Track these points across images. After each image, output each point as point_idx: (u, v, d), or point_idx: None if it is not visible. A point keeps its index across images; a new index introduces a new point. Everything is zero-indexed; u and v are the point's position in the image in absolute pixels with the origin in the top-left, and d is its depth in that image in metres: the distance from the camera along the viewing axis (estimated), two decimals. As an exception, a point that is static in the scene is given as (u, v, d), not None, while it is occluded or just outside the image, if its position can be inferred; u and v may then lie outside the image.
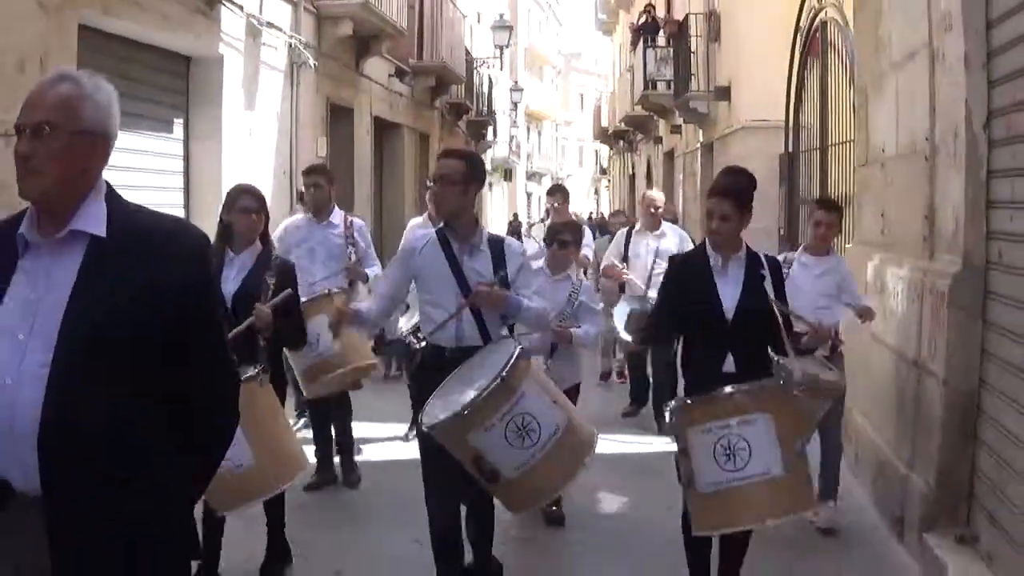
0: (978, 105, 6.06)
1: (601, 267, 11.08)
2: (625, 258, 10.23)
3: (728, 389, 4.89)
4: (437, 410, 4.95)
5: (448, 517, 5.48)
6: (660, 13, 27.05)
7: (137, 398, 2.79)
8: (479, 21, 34.95)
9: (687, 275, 5.51)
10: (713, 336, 5.32)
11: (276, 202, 11.91)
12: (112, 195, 2.86)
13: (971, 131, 6.06)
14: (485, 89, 31.73)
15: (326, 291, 7.62)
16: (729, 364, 5.26)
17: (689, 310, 5.42)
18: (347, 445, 8.49)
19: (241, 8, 11.64)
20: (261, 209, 6.10)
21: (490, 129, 34.41)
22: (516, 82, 39.75)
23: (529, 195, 63.13)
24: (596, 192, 79.36)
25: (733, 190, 5.41)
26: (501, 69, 37.52)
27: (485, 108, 31.88)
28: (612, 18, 44.99)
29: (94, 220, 2.77)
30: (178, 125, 11.29)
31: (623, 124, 36.28)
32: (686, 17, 21.41)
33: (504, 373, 4.75)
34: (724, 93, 19.32)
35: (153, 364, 2.79)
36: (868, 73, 8.88)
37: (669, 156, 28.99)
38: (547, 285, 7.21)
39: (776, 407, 4.85)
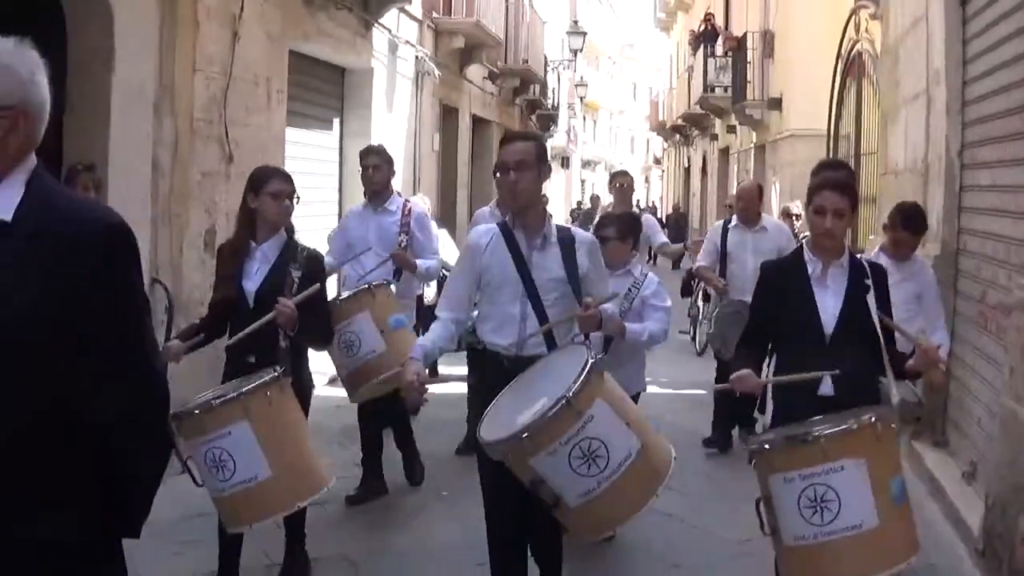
0: (955, 140, 8.54)
1: (694, 268, 10.52)
2: (723, 257, 9.41)
3: (815, 431, 4.12)
4: (497, 422, 4.47)
5: (509, 529, 5.01)
6: (719, 22, 29.42)
7: (35, 407, 2.46)
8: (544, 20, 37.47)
9: (781, 284, 4.89)
10: (809, 354, 4.66)
11: (407, 188, 14.73)
12: (37, 177, 2.54)
13: (949, 157, 8.57)
14: (556, 86, 34.41)
15: (366, 286, 6.93)
16: (827, 387, 4.63)
17: (783, 324, 4.82)
18: (408, 441, 8.07)
19: (389, 30, 14.42)
20: (294, 193, 5.60)
21: (559, 122, 37.06)
22: (581, 77, 42.24)
23: (583, 182, 65.04)
24: (647, 181, 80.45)
25: (847, 184, 4.83)
26: (575, 71, 40.18)
27: (555, 103, 34.53)
28: (670, 17, 46.47)
29: (2, 203, 2.46)
30: (336, 124, 14.01)
31: (681, 120, 38.03)
32: (744, 34, 23.69)
33: (571, 394, 4.10)
34: (776, 103, 21.45)
35: (53, 368, 2.46)
36: (888, 103, 11.48)
37: (724, 153, 30.87)
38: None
39: (871, 450, 4.05)
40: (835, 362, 4.57)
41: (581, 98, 47.18)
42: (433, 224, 8.68)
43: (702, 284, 15.58)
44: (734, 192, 23.50)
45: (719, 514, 7.33)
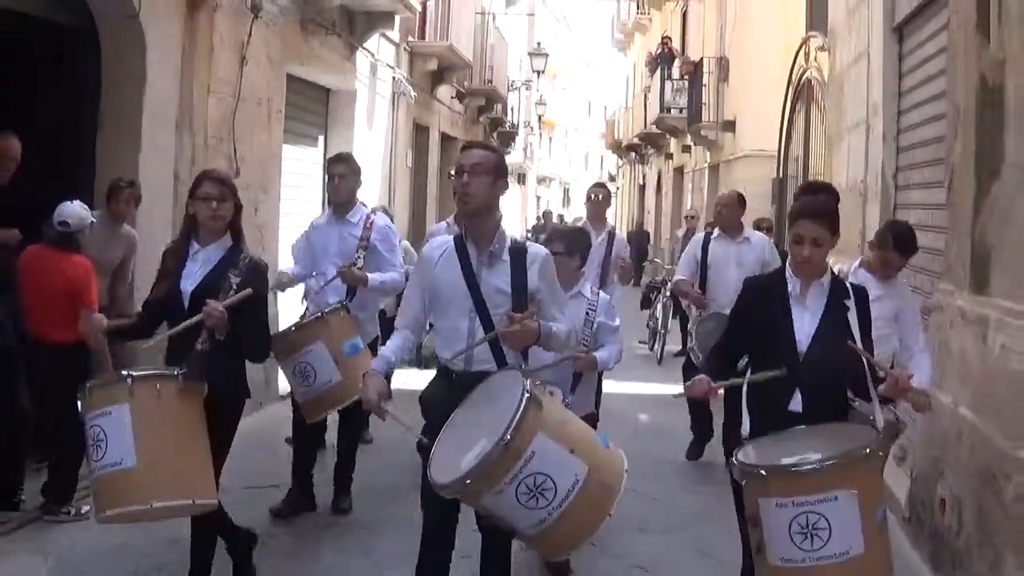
0: (890, 163, 9.64)
1: (672, 282, 10.38)
2: (703, 269, 9.10)
3: (811, 464, 4.18)
4: (445, 458, 4.40)
5: (441, 549, 4.90)
6: (675, 45, 30.53)
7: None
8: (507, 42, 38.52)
9: (761, 299, 4.96)
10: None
11: (383, 201, 15.72)
12: None
13: (885, 179, 9.65)
14: (517, 105, 35.50)
15: (319, 314, 6.99)
16: (796, 403, 4.70)
17: (759, 339, 4.91)
18: (348, 465, 7.78)
19: (372, 54, 15.39)
20: (225, 198, 5.39)
21: (517, 139, 38.14)
22: (541, 96, 43.37)
23: (539, 198, 65.99)
24: None
25: (826, 211, 4.84)
26: (539, 91, 41.32)
27: (515, 121, 35.60)
28: (628, 38, 47.30)
29: None
30: (320, 140, 14.92)
31: (636, 139, 38.90)
32: (701, 60, 24.77)
33: (507, 436, 4.05)
34: (730, 126, 22.50)
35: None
36: (832, 128, 12.61)
37: (679, 171, 31.82)
38: None
39: (864, 481, 4.15)
40: (806, 380, 4.69)
41: (540, 116, 48.25)
42: (397, 236, 8.50)
43: (660, 296, 16.73)
44: (690, 207, 24.86)
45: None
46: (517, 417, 4.10)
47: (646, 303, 17.42)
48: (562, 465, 4.18)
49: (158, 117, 8.91)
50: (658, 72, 29.33)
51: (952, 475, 6.33)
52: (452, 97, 23.08)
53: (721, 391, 4.96)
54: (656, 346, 16.55)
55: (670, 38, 30.77)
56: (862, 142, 10.59)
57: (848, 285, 4.94)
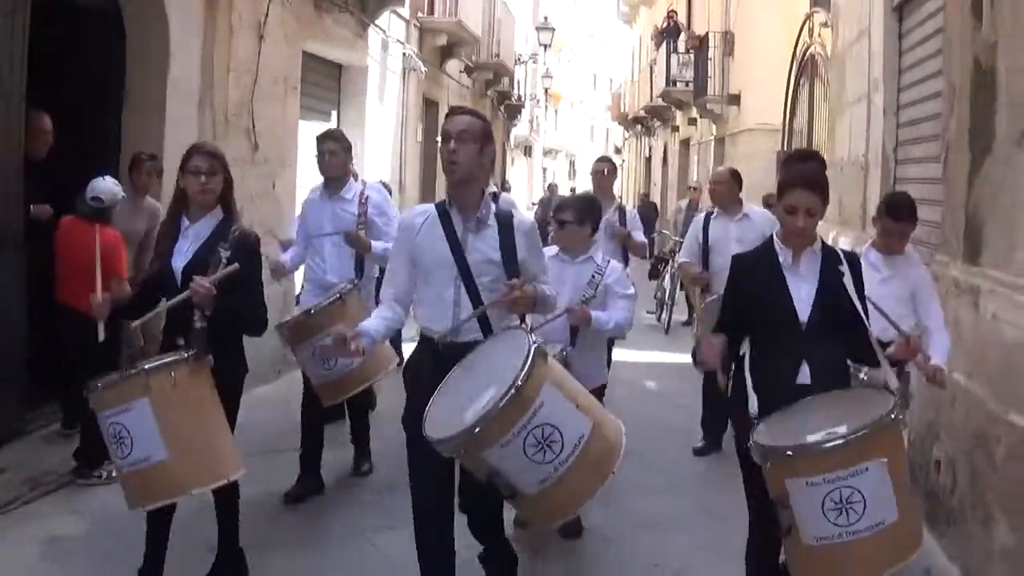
0: (890, 138, 9.87)
1: (676, 264, 10.34)
2: (705, 249, 8.98)
3: (839, 438, 4.01)
4: (442, 417, 4.32)
5: (439, 522, 4.82)
6: (681, 19, 30.73)
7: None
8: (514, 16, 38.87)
9: (752, 275, 4.80)
10: (785, 343, 4.62)
11: (394, 175, 16.08)
12: None
13: (886, 153, 9.91)
14: (524, 78, 35.76)
15: (337, 296, 7.02)
16: (804, 375, 4.58)
17: (757, 315, 4.73)
18: (363, 433, 8.06)
19: (383, 30, 15.67)
20: (215, 171, 5.30)
21: (523, 112, 38.43)
22: (547, 69, 43.64)
23: (544, 170, 66.25)
24: None
25: (818, 180, 4.69)
26: (545, 64, 41.57)
27: (521, 94, 35.87)
28: (633, 10, 47.16)
29: None
30: (333, 115, 15.23)
31: (643, 111, 38.77)
32: (706, 34, 24.97)
33: (519, 382, 4.03)
34: (735, 99, 22.66)
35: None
36: (835, 103, 12.86)
37: (685, 144, 31.87)
38: (566, 269, 6.46)
39: (890, 447, 4.05)
40: (811, 350, 4.57)
41: (546, 89, 48.48)
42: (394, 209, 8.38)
43: (668, 268, 17.03)
44: (694, 179, 25.05)
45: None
46: (527, 365, 4.09)
47: (654, 274, 17.72)
48: (569, 418, 4.18)
49: (181, 94, 9.21)
50: (664, 46, 29.44)
51: (947, 438, 6.63)
52: (460, 71, 23.41)
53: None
54: (663, 316, 16.96)
55: (676, 12, 30.94)
56: (863, 117, 10.85)
57: (839, 251, 4.81)
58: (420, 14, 18.65)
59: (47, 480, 7.27)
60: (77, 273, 7.13)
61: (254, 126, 10.57)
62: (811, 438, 4.15)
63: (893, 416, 4.04)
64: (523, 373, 4.07)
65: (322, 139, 7.71)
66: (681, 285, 15.48)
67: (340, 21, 13.68)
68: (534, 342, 4.27)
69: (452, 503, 4.88)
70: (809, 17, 16.04)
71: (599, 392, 6.21)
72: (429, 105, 20.23)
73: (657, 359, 13.36)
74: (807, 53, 16.32)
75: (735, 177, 9.42)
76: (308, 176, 12.71)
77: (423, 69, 18.23)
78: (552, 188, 32.81)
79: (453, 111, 4.93)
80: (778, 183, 4.81)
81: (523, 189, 50.27)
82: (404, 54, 17.46)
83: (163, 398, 4.78)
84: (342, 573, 6.17)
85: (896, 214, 6.34)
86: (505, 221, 4.86)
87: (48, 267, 7.60)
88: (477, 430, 4.03)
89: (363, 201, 7.61)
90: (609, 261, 6.66)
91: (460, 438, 4.08)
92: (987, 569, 5.83)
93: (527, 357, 4.14)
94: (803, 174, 4.67)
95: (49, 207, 7.78)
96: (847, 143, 11.78)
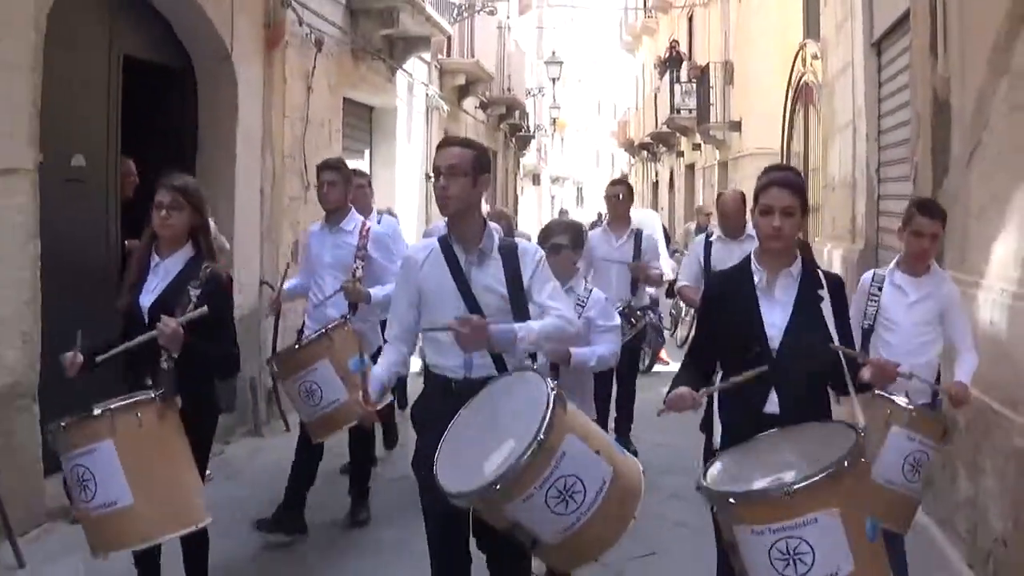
0: (873, 160, 11.13)
1: (676, 287, 9.66)
2: (706, 272, 8.46)
3: (784, 487, 3.65)
4: (458, 466, 4.11)
5: (457, 567, 4.67)
6: (683, 48, 31.97)
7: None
8: (509, 17, 39.15)
9: (725, 295, 4.55)
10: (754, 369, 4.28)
11: (421, 209, 17.37)
12: None
13: (869, 174, 11.17)
14: (532, 109, 37.11)
15: (322, 330, 6.72)
16: (772, 404, 4.30)
17: (727, 338, 4.47)
18: (362, 475, 7.59)
19: (409, 74, 17.00)
20: (178, 206, 5.08)
21: (533, 143, 39.74)
22: (554, 99, 44.83)
23: (552, 198, 67.17)
24: None
25: (795, 182, 4.45)
26: (555, 99, 42.94)
27: (531, 126, 37.18)
28: (636, 40, 48.79)
29: None
30: (366, 153, 16.58)
31: (648, 138, 40.14)
32: (707, 64, 26.22)
33: (541, 436, 3.82)
34: (736, 125, 23.79)
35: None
36: (827, 128, 14.14)
37: (690, 168, 33.11)
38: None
39: (843, 497, 3.65)
40: (781, 379, 4.26)
41: (554, 119, 49.71)
42: (402, 243, 8.30)
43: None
44: (700, 203, 25.90)
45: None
46: (549, 415, 3.88)
47: (670, 292, 18.75)
48: (591, 466, 3.98)
49: (246, 141, 10.47)
50: (667, 75, 30.68)
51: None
52: (476, 107, 24.72)
53: (705, 400, 4.44)
54: (677, 332, 18.08)
55: (677, 42, 32.16)
56: (850, 141, 12.10)
57: (820, 273, 4.50)
58: (440, 55, 19.96)
59: None
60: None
61: (306, 167, 11.76)
62: (758, 484, 3.84)
63: (847, 462, 3.65)
64: (544, 426, 3.85)
65: (321, 169, 7.53)
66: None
67: (373, 68, 15.01)
68: (552, 389, 4.01)
69: (468, 548, 4.69)
70: (802, 47, 17.18)
71: None
72: (450, 141, 21.51)
73: (671, 369, 14.03)
74: (802, 81, 17.46)
75: (744, 200, 8.79)
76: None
77: (445, 108, 19.49)
78: (562, 214, 33.68)
79: (443, 143, 4.78)
80: (755, 190, 4.51)
81: (533, 217, 51.17)
82: (427, 94, 18.75)
83: (128, 440, 4.54)
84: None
85: (930, 211, 5.76)
86: (509, 251, 4.68)
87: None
88: (497, 487, 3.80)
89: (364, 234, 7.31)
90: (591, 291, 6.23)
91: (478, 494, 3.88)
92: (954, 517, 6.98)
93: (548, 408, 3.92)
94: (778, 176, 4.44)
95: (139, 242, 8.94)
96: (838, 164, 13.04)
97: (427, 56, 18.43)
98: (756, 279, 4.44)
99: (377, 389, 4.76)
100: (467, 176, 4.55)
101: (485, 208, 6.62)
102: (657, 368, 14.36)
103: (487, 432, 4.19)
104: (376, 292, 7.07)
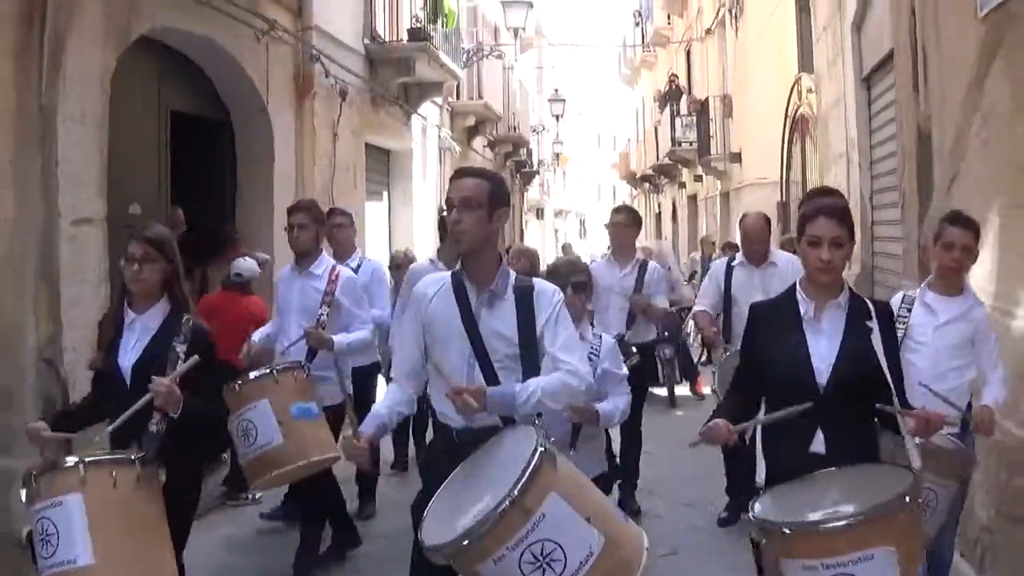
0: (867, 189, 11.77)
1: (692, 313, 9.44)
2: (727, 299, 8.14)
3: (842, 519, 3.49)
4: (441, 518, 3.84)
5: None
6: (682, 82, 32.63)
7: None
8: (516, 60, 39.30)
9: (770, 327, 4.31)
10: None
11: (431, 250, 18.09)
12: None
13: (863, 202, 11.83)
14: (536, 145, 37.98)
15: (269, 370, 6.32)
16: (819, 443, 4.08)
17: (772, 373, 4.23)
18: (312, 540, 7.10)
19: (424, 118, 17.85)
20: (150, 259, 4.76)
21: (536, 177, 40.58)
22: (557, 135, 45.61)
23: (556, 231, 67.70)
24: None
25: (844, 211, 4.21)
26: (558, 135, 43.82)
27: (535, 161, 38.03)
28: (635, 74, 49.15)
29: None
30: (384, 195, 17.38)
31: (650, 170, 40.42)
32: (706, 99, 26.87)
33: (516, 492, 3.49)
34: (736, 157, 24.23)
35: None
36: (822, 158, 14.88)
37: (692, 199, 33.57)
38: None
39: (902, 533, 3.52)
40: (829, 416, 4.03)
41: (557, 154, 50.45)
42: (384, 286, 8.38)
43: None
44: (704, 233, 26.31)
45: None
46: (529, 471, 3.55)
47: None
48: (575, 533, 3.57)
49: (281, 185, 11.27)
50: (668, 108, 31.31)
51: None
52: (484, 146, 25.60)
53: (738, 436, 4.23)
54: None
55: (677, 76, 32.68)
56: (843, 170, 12.79)
57: (868, 302, 4.26)
58: (451, 98, 20.85)
59: (205, 503, 8.10)
60: (225, 334, 8.71)
61: (334, 210, 12.59)
62: (812, 516, 3.67)
63: (907, 500, 3.51)
64: (522, 482, 3.53)
65: (291, 211, 7.24)
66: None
67: (391, 113, 15.87)
68: (541, 444, 3.68)
69: None
70: (797, 81, 17.80)
71: (601, 480, 5.28)
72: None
73: (683, 391, 14.62)
74: (798, 113, 18.11)
75: (768, 223, 8.61)
76: (370, 252, 14.77)
77: (457, 149, 20.33)
78: (566, 248, 33.96)
79: (457, 173, 4.49)
80: (799, 218, 4.30)
81: (537, 250, 51.72)
82: (440, 136, 19.60)
83: (99, 498, 4.18)
84: None
85: (961, 222, 5.51)
86: (524, 292, 4.32)
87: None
88: (466, 543, 3.51)
89: (333, 279, 7.01)
90: (600, 336, 5.94)
91: (449, 548, 3.57)
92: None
93: (529, 461, 3.59)
94: (826, 205, 4.20)
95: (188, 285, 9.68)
96: (833, 193, 13.72)
97: (439, 100, 19.29)
98: (802, 310, 4.22)
99: (374, 426, 4.34)
100: (481, 208, 4.21)
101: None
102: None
103: (473, 485, 3.92)
104: (340, 339, 6.81)
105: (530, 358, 4.26)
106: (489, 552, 3.51)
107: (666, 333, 10.24)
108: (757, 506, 3.84)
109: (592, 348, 5.66)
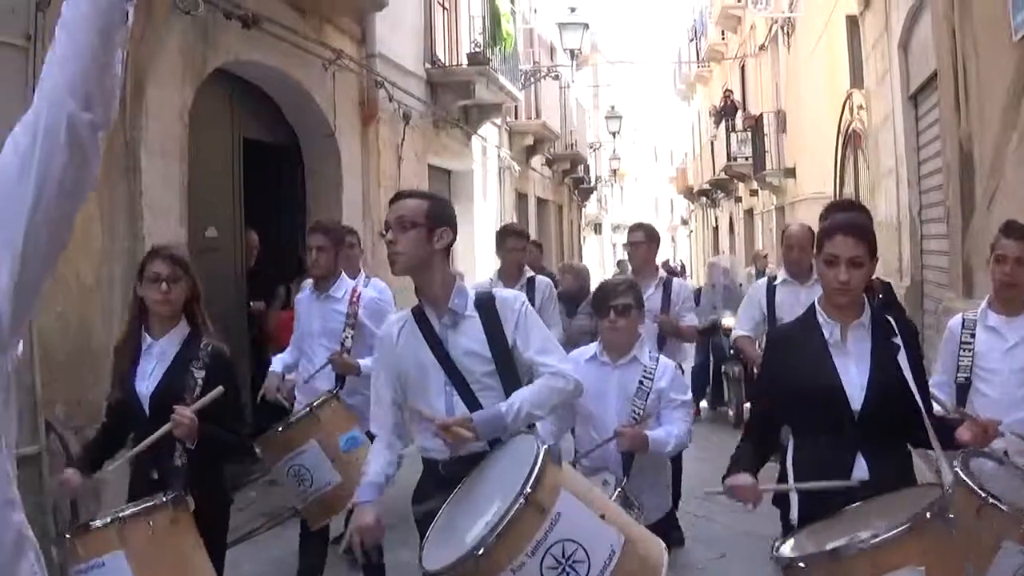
0: (915, 204, 12.15)
1: (732, 337, 8.86)
2: (771, 319, 7.48)
3: (861, 537, 3.24)
4: (442, 545, 3.58)
5: None
6: (736, 97, 32.99)
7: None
8: (573, 80, 39.94)
9: (792, 352, 4.10)
10: (835, 433, 3.90)
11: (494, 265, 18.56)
12: None
13: (912, 216, 12.20)
14: (593, 161, 38.48)
15: (307, 409, 6.17)
16: (861, 469, 3.83)
17: (799, 402, 4.01)
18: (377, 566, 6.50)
19: (484, 138, 18.37)
20: (177, 278, 4.60)
21: (594, 193, 41.04)
22: (614, 151, 46.14)
23: (614, 245, 68.10)
24: (673, 240, 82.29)
25: (863, 227, 4.07)
26: (615, 151, 44.27)
27: (593, 178, 38.52)
28: (690, 89, 49.36)
29: None
30: (447, 216, 17.89)
31: (707, 184, 40.76)
32: (761, 114, 27.21)
33: (528, 489, 3.26)
34: (791, 172, 24.55)
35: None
36: (873, 174, 15.19)
37: (748, 213, 33.89)
38: (608, 375, 5.35)
39: (932, 550, 3.19)
40: (868, 440, 3.85)
41: (614, 170, 50.95)
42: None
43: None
44: (759, 246, 26.52)
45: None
46: (537, 468, 3.37)
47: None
48: (594, 532, 3.40)
49: (350, 209, 11.79)
50: (723, 124, 31.68)
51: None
52: (542, 164, 26.08)
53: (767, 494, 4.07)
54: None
55: (731, 91, 33.05)
56: (893, 186, 13.13)
57: (890, 319, 4.05)
58: (509, 119, 21.37)
59: (278, 514, 8.60)
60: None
61: (399, 232, 13.08)
62: (830, 545, 3.40)
63: (930, 513, 3.20)
64: (532, 479, 3.32)
65: (310, 233, 7.00)
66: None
67: (452, 135, 16.41)
68: (543, 443, 3.58)
69: None
70: (849, 96, 18.04)
71: (664, 522, 5.36)
72: (520, 198, 22.88)
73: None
74: (850, 128, 18.35)
75: (813, 236, 7.08)
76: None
77: (516, 168, 20.81)
78: (622, 264, 34.15)
79: (395, 197, 4.24)
80: (817, 234, 4.18)
81: (596, 266, 52.21)
82: (499, 156, 20.11)
83: (140, 551, 4.14)
84: None
85: (1018, 233, 5.10)
86: (487, 305, 4.14)
87: (262, 347, 9.83)
88: (480, 552, 3.23)
89: (354, 300, 6.80)
90: (658, 358, 5.51)
91: (460, 566, 3.27)
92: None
93: (536, 459, 3.42)
94: (844, 221, 4.05)
95: (263, 303, 10.24)
96: (884, 207, 14.04)
97: (498, 120, 19.81)
98: (827, 333, 4.00)
99: (369, 498, 4.11)
100: (418, 228, 3.97)
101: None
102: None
103: (474, 502, 3.68)
104: (367, 363, 6.25)
105: (507, 373, 4.10)
106: (507, 561, 3.25)
107: (732, 351, 9.95)
108: (782, 546, 3.64)
109: (646, 371, 5.30)
